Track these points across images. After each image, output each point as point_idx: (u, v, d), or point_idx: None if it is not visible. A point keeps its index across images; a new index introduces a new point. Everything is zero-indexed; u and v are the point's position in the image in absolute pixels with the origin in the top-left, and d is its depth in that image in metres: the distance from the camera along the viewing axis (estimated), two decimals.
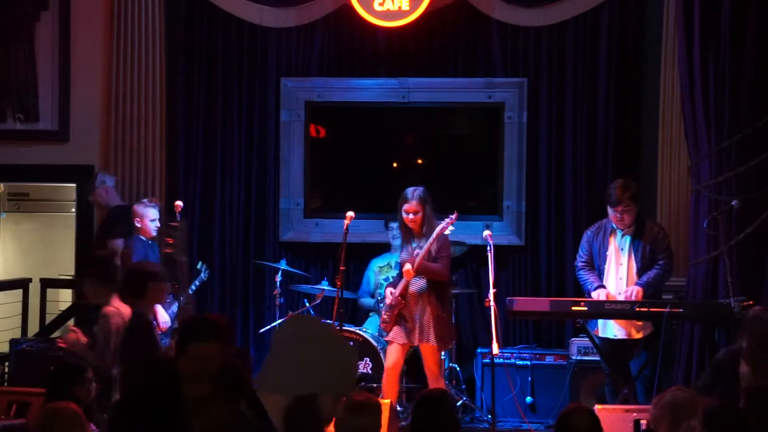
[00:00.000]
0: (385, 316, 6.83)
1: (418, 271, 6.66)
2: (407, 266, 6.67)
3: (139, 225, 7.47)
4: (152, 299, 5.64)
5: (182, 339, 4.07)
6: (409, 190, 6.77)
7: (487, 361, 7.51)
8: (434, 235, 6.66)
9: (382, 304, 7.14)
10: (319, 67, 8.71)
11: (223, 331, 4.03)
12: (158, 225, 7.51)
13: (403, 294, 6.73)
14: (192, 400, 3.80)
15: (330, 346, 2.67)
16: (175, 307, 7.51)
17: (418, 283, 6.71)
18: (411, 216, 6.73)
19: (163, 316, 7.36)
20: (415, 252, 6.72)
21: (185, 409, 3.74)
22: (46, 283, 8.84)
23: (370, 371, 7.42)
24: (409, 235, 6.82)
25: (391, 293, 6.78)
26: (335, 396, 2.65)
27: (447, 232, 6.75)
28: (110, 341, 5.56)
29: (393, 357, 6.76)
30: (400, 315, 6.75)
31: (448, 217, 6.72)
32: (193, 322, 4.46)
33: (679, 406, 4.01)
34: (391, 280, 7.53)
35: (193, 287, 7.71)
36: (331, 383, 2.59)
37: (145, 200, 7.65)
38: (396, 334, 6.75)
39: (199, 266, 7.90)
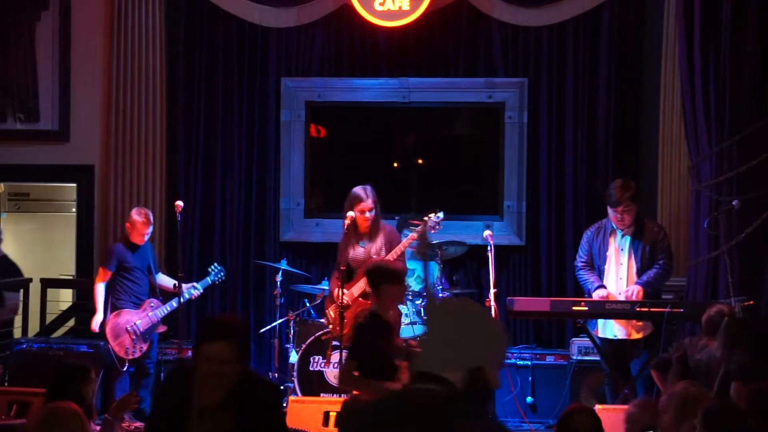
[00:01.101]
0: (337, 318, 6.43)
1: None
2: None
3: (128, 231, 7.53)
4: (388, 300, 5.56)
5: (196, 342, 3.85)
6: (360, 190, 6.71)
7: None
8: (415, 233, 6.64)
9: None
10: (320, 67, 8.70)
11: (238, 332, 3.77)
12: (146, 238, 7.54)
13: (364, 293, 6.67)
14: (200, 408, 3.67)
15: (482, 322, 2.77)
16: (165, 310, 7.46)
17: None
18: (368, 214, 6.68)
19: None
20: (373, 251, 6.67)
21: (191, 416, 3.66)
22: (47, 283, 8.82)
23: None
24: (356, 235, 6.75)
25: (344, 293, 6.61)
26: (497, 366, 2.77)
27: (434, 232, 6.74)
28: None
29: None
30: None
31: (435, 215, 6.66)
32: (203, 323, 4.38)
33: (689, 401, 3.99)
34: None
35: (193, 291, 7.54)
36: (491, 355, 2.72)
37: (147, 212, 7.58)
38: None
39: (210, 268, 7.81)
